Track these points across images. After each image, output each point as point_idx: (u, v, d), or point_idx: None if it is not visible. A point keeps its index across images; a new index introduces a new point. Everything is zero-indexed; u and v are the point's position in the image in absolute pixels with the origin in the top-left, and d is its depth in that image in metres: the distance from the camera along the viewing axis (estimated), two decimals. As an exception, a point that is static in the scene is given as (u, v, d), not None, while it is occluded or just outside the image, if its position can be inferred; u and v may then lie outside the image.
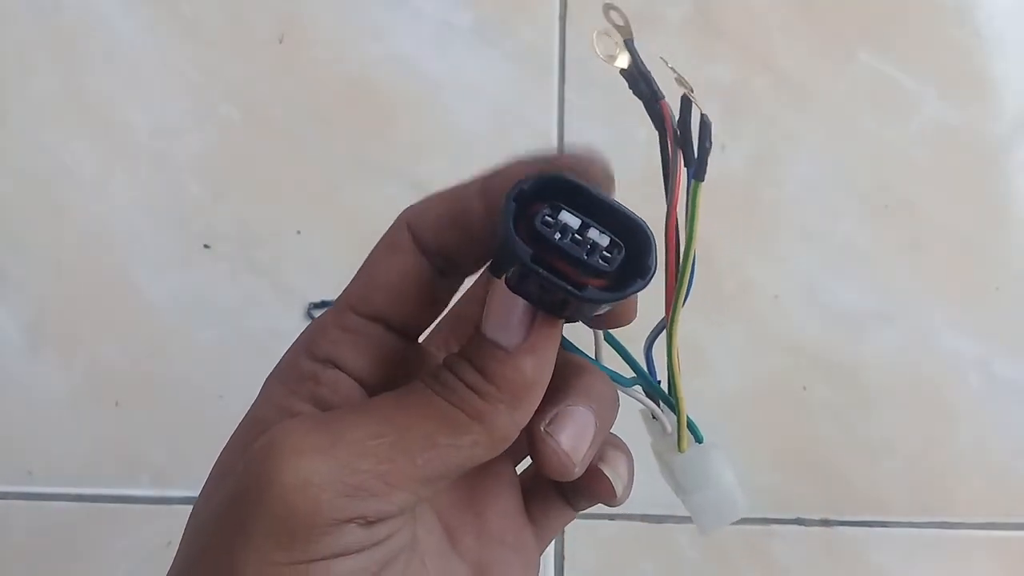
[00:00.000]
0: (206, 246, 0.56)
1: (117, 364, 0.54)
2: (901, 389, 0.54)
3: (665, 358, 0.26)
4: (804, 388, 0.54)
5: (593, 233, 0.21)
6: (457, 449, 0.22)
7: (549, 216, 0.21)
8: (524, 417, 0.23)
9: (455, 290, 0.26)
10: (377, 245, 0.25)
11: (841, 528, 0.53)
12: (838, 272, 0.56)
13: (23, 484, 0.53)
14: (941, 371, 0.55)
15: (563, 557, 0.52)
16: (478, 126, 0.57)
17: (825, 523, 0.53)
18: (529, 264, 0.20)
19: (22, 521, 0.52)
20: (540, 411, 0.24)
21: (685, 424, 0.27)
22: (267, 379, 0.25)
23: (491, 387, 0.22)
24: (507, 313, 0.22)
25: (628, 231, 0.21)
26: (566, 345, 0.25)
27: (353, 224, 0.56)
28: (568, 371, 0.25)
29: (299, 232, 0.56)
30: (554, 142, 0.57)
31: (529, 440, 0.24)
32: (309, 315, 0.54)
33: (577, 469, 0.24)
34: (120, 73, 0.58)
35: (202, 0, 0.59)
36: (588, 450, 0.24)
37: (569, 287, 0.21)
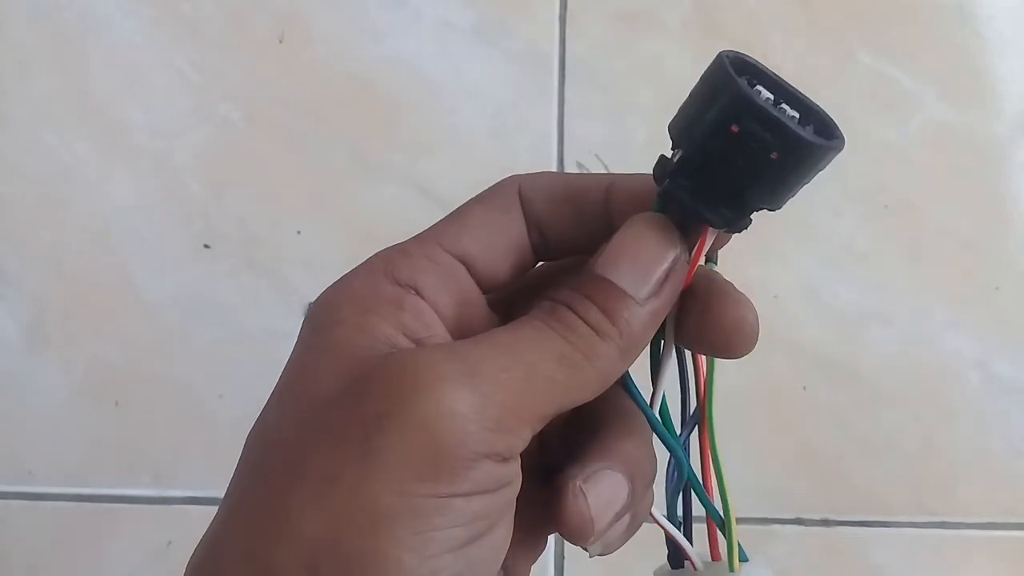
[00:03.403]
0: (206, 246, 0.56)
1: (117, 364, 0.54)
2: (901, 389, 0.54)
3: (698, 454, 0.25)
4: (804, 388, 0.54)
5: (785, 107, 0.22)
6: (568, 389, 0.21)
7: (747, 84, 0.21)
8: (628, 365, 0.23)
9: (533, 266, 0.25)
10: (478, 195, 0.25)
11: (841, 528, 0.53)
12: (838, 272, 0.56)
13: (23, 484, 0.53)
14: (941, 371, 0.55)
15: (563, 557, 0.52)
16: (478, 126, 0.57)
17: (825, 523, 0.53)
18: (756, 102, 0.20)
19: (22, 521, 0.52)
20: (580, 461, 0.23)
21: (736, 543, 0.25)
22: (328, 303, 0.23)
23: (614, 329, 0.22)
24: (645, 262, 0.22)
25: (813, 115, 0.22)
26: (627, 384, 0.24)
27: (353, 224, 0.56)
28: (620, 423, 0.24)
29: (299, 232, 0.56)
30: (554, 142, 0.57)
31: (556, 489, 0.23)
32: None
33: (593, 539, 0.23)
34: (120, 73, 0.58)
35: (202, 0, 0.59)
36: (609, 522, 0.23)
37: (791, 126, 0.21)
